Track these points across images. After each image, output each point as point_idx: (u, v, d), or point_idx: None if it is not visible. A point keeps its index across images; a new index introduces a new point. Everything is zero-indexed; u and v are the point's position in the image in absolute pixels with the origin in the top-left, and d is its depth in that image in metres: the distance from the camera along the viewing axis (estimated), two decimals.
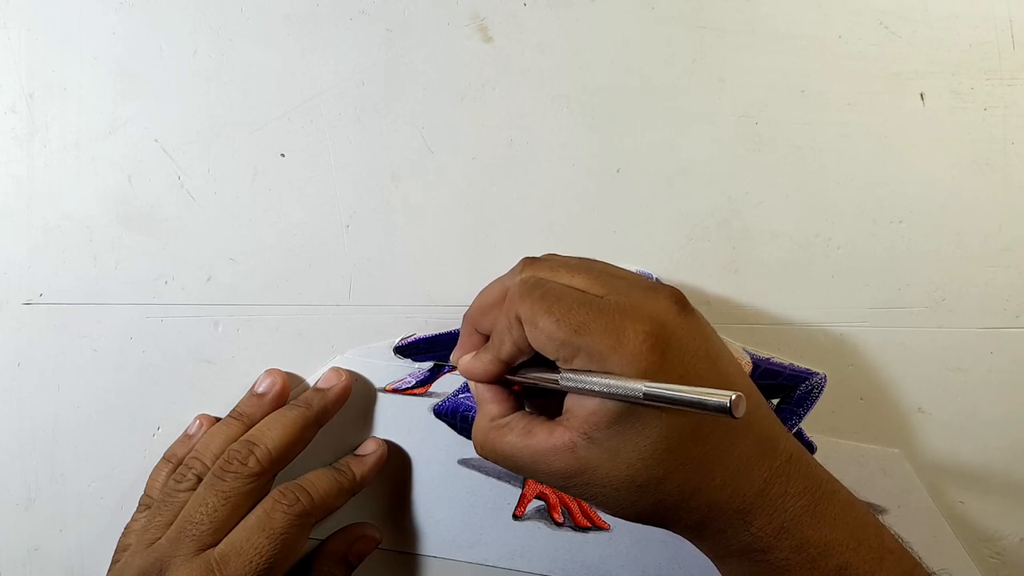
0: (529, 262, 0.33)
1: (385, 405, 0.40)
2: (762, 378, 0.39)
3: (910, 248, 0.40)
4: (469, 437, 0.39)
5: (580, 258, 0.34)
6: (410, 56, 0.40)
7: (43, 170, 0.39)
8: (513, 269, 0.34)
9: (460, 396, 0.39)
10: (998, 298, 0.40)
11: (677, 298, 0.31)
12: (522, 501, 0.39)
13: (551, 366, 0.31)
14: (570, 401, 0.30)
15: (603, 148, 0.40)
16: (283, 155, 0.40)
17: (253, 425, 0.37)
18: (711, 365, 0.30)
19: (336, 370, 0.39)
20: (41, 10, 0.40)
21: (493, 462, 0.33)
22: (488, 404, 0.33)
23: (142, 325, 0.40)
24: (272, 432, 0.36)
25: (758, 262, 0.40)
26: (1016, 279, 0.40)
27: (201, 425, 0.39)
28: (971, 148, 0.40)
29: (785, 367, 0.39)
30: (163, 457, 0.39)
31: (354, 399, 0.39)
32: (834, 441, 0.39)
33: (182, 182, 0.39)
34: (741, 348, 0.39)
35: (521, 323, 0.30)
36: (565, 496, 0.39)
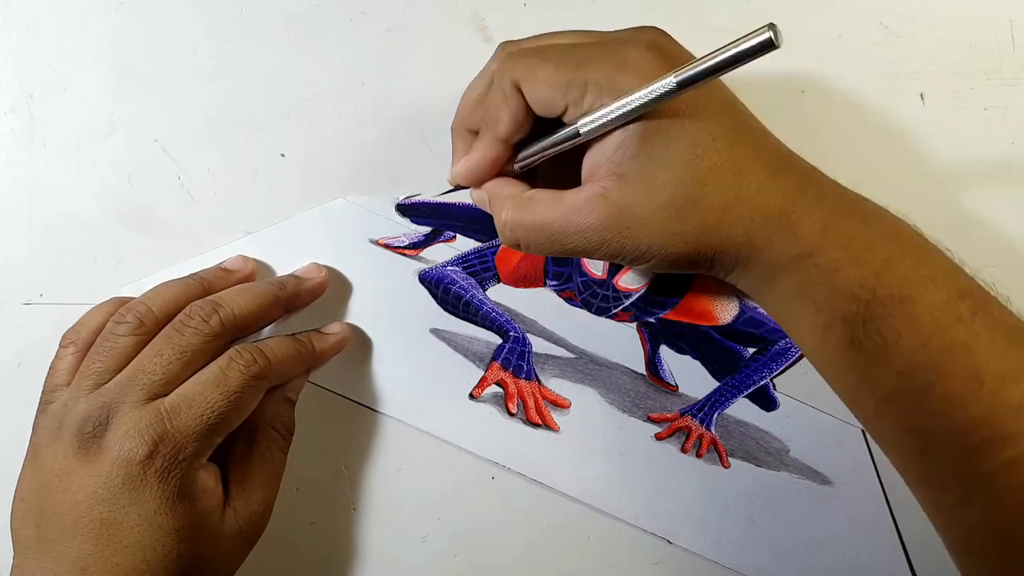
0: (506, 42, 0.33)
1: (372, 258, 0.39)
2: (745, 325, 0.39)
3: None
4: (448, 309, 0.39)
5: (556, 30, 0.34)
6: (410, 56, 0.40)
7: (43, 170, 0.39)
8: (491, 57, 0.33)
9: (448, 268, 0.39)
10: (998, 298, 0.40)
11: (662, 31, 0.31)
12: (481, 383, 0.39)
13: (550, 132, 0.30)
14: (589, 159, 0.30)
15: None
16: (283, 155, 0.40)
17: (212, 291, 0.36)
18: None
19: (316, 265, 0.38)
20: (41, 10, 0.40)
21: (522, 242, 0.31)
22: (504, 188, 0.32)
23: None
24: (240, 298, 0.35)
25: None
26: (1016, 279, 0.40)
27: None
28: (971, 148, 0.40)
29: (769, 320, 0.39)
30: (106, 300, 0.37)
31: (330, 297, 0.39)
32: (798, 403, 0.39)
33: (182, 182, 0.39)
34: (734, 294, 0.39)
35: (517, 87, 0.30)
36: (524, 389, 0.39)
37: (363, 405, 0.39)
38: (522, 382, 0.39)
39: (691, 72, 0.26)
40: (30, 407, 0.40)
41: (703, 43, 0.40)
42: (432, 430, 0.40)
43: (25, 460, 0.33)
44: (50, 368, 0.35)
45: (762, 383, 0.39)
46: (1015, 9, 0.40)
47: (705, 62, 0.25)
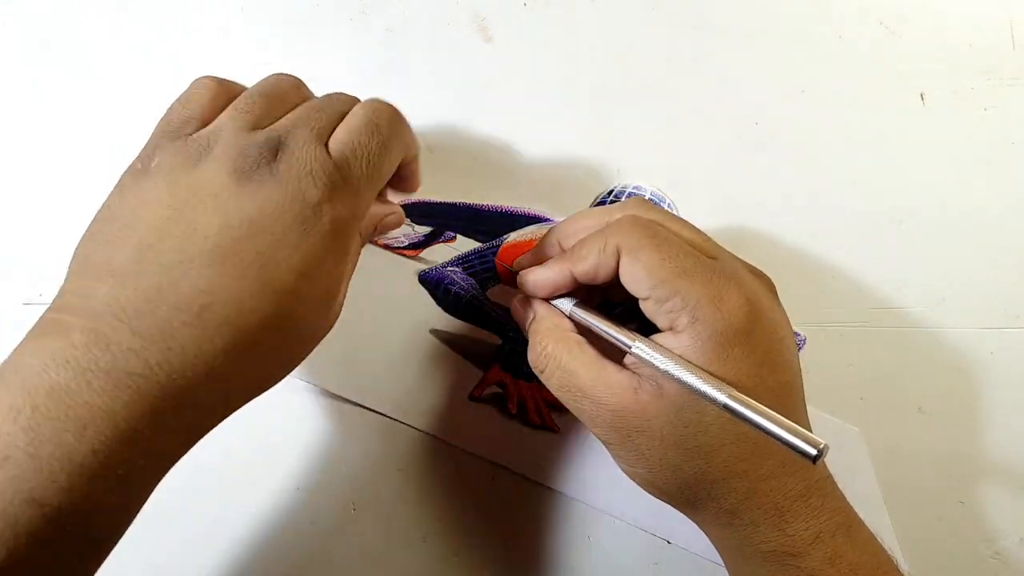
0: (640, 201, 0.33)
1: (372, 259, 0.39)
2: None
3: (910, 248, 0.40)
4: (448, 310, 0.39)
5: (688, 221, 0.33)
6: (410, 56, 0.40)
7: (43, 170, 0.39)
8: (621, 204, 0.33)
9: (448, 268, 0.39)
10: (998, 298, 0.40)
11: (771, 286, 0.32)
12: (481, 384, 0.39)
13: (611, 316, 0.31)
14: None
15: (603, 148, 0.40)
16: None
17: None
18: (786, 356, 0.30)
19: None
20: (41, 10, 0.40)
21: (547, 373, 0.31)
22: (556, 318, 0.32)
23: None
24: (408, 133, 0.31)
25: (758, 262, 0.40)
26: (1016, 279, 0.40)
27: None
28: (971, 148, 0.40)
29: None
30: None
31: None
32: None
33: None
34: None
35: (617, 252, 0.30)
36: (524, 390, 0.39)
37: (363, 406, 0.39)
38: (522, 383, 0.39)
39: (739, 409, 0.26)
40: None
41: (703, 43, 0.40)
42: (432, 430, 0.40)
43: (125, 183, 0.28)
44: (179, 98, 0.30)
45: None
46: (1015, 9, 0.40)
47: (757, 414, 0.26)
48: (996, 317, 0.40)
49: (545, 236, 0.35)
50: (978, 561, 0.39)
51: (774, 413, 0.26)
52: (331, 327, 0.30)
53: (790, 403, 0.30)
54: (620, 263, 0.30)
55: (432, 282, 0.39)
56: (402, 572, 0.40)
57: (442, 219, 0.39)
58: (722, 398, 0.26)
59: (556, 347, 0.31)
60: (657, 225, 0.30)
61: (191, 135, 0.28)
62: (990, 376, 0.40)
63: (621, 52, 0.40)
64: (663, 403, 0.29)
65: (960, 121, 0.40)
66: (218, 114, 0.29)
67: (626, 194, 0.39)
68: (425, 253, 0.39)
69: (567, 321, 0.32)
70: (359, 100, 0.31)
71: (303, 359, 0.29)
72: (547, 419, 0.39)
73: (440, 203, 0.38)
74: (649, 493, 0.31)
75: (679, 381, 0.28)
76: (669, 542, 0.39)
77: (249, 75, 0.40)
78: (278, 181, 0.26)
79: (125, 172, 0.28)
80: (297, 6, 0.40)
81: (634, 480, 0.31)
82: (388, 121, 0.30)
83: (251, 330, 0.25)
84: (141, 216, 0.26)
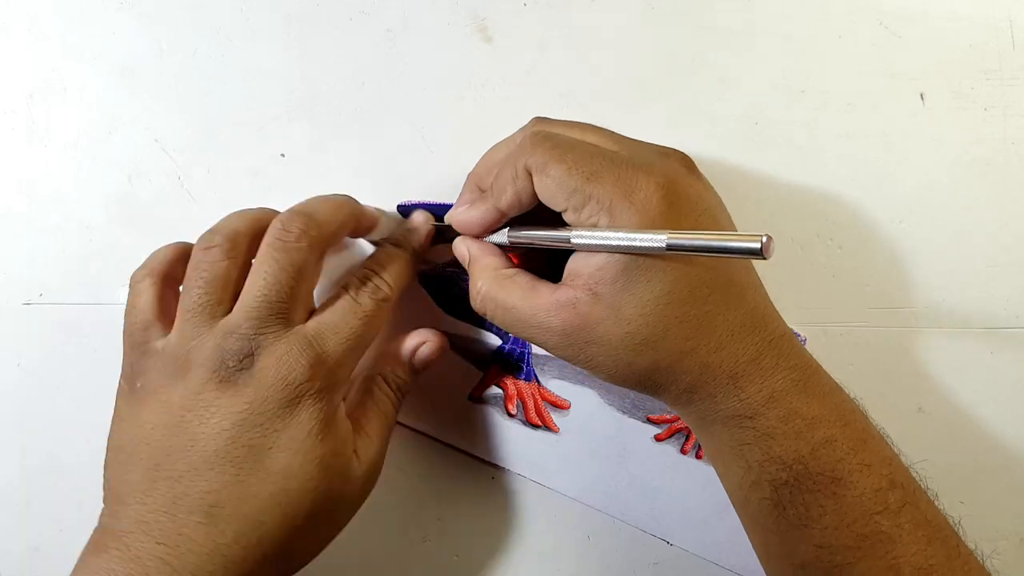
0: (540, 119, 0.34)
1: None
2: None
3: (910, 248, 0.40)
4: (448, 309, 0.39)
5: (590, 123, 0.34)
6: (410, 56, 0.40)
7: (43, 170, 0.39)
8: (522, 128, 0.34)
9: (448, 269, 0.39)
10: (998, 298, 0.40)
11: (686, 161, 0.32)
12: (481, 384, 0.39)
13: (544, 226, 0.31)
14: (574, 262, 0.30)
15: None
16: (283, 155, 0.40)
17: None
18: (714, 224, 0.30)
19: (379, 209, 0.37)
20: (41, 10, 0.40)
21: (489, 315, 0.33)
22: (487, 258, 0.33)
23: None
24: (323, 207, 0.33)
25: (758, 262, 0.40)
26: (1016, 279, 0.40)
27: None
28: (971, 148, 0.40)
29: None
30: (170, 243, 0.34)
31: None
32: None
33: (182, 182, 0.39)
34: None
35: (529, 173, 0.30)
36: (522, 390, 0.39)
37: None
38: (522, 383, 0.39)
39: (681, 242, 0.26)
40: (30, 407, 0.40)
41: (703, 43, 0.40)
42: (432, 431, 0.40)
43: (121, 409, 0.32)
44: (129, 308, 0.33)
45: None
46: (1015, 9, 0.40)
47: (698, 239, 0.26)
48: (996, 317, 0.40)
49: (466, 182, 0.35)
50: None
51: (711, 232, 0.27)
52: (359, 490, 0.33)
53: None
54: (533, 182, 0.30)
55: (432, 282, 0.39)
56: (402, 572, 0.40)
57: (444, 222, 0.39)
58: (662, 239, 0.27)
59: (490, 287, 0.32)
60: (559, 136, 0.31)
61: (161, 348, 0.31)
62: (990, 376, 0.40)
63: (621, 52, 0.40)
64: (601, 308, 0.29)
65: (960, 121, 0.40)
66: (169, 304, 0.32)
67: None
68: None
69: (497, 258, 0.33)
70: (306, 239, 0.32)
71: (338, 525, 0.33)
72: (546, 420, 0.39)
73: (442, 205, 0.38)
74: (616, 386, 0.32)
75: (621, 248, 0.28)
76: (669, 542, 0.39)
77: (249, 75, 0.40)
78: (259, 381, 0.30)
79: (117, 395, 0.32)
80: (297, 6, 0.40)
81: (599, 378, 0.33)
82: (378, 299, 0.33)
83: (254, 514, 0.29)
84: (145, 439, 0.30)
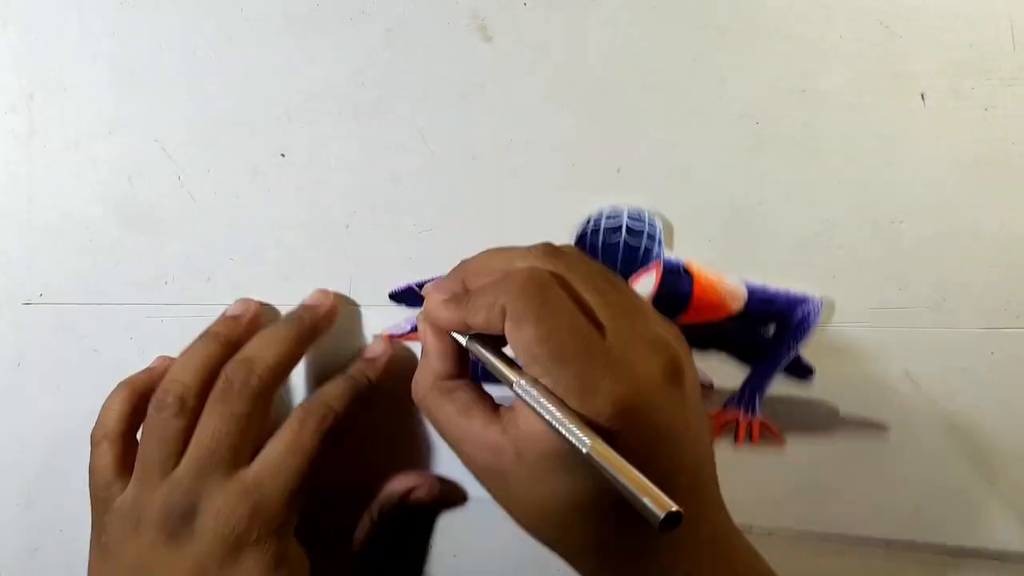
0: (550, 251, 0.31)
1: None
2: (759, 305, 0.39)
3: (910, 248, 0.40)
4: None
5: (604, 269, 0.32)
6: (410, 56, 0.40)
7: (43, 170, 0.39)
8: (530, 249, 0.32)
9: (414, 284, 0.39)
10: (998, 298, 0.40)
11: (672, 368, 0.29)
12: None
13: (502, 354, 0.30)
14: (520, 404, 0.29)
15: (603, 148, 0.40)
16: (283, 155, 0.40)
17: (231, 345, 0.35)
18: (668, 458, 0.28)
19: (323, 291, 0.39)
20: (41, 10, 0.40)
21: (423, 413, 0.33)
22: (436, 358, 0.32)
23: (142, 325, 0.40)
24: (268, 350, 0.35)
25: (758, 262, 0.40)
26: (1016, 279, 0.40)
27: (163, 360, 0.37)
28: (971, 148, 0.40)
29: (780, 293, 0.39)
30: (117, 387, 0.36)
31: (341, 319, 0.39)
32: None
33: (182, 182, 0.39)
34: (737, 280, 0.39)
35: (504, 314, 0.29)
36: None
37: None
38: None
39: (600, 462, 0.25)
40: (30, 407, 0.40)
41: (703, 43, 0.40)
42: (432, 431, 0.40)
43: (92, 561, 0.34)
44: (91, 468, 0.35)
45: (793, 354, 0.39)
46: (1015, 9, 0.40)
47: (615, 472, 0.24)
48: (996, 317, 0.40)
49: (455, 267, 0.34)
50: (979, 562, 0.39)
51: (633, 470, 0.24)
52: None
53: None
54: (504, 326, 0.29)
55: (402, 294, 0.39)
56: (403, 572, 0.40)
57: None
58: (585, 445, 0.25)
59: (427, 392, 0.32)
60: (551, 287, 0.29)
61: (118, 505, 0.33)
62: (990, 376, 0.40)
63: (621, 52, 0.40)
64: (522, 471, 0.28)
65: (960, 121, 0.40)
66: (129, 454, 0.34)
67: (604, 216, 0.39)
68: None
69: (447, 363, 0.32)
70: (247, 390, 0.33)
71: None
72: None
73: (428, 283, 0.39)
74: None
75: (548, 421, 0.27)
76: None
77: (249, 75, 0.40)
78: (200, 536, 0.31)
79: (89, 547, 0.34)
80: (297, 6, 0.40)
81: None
82: (322, 431, 0.34)
83: None
84: None
